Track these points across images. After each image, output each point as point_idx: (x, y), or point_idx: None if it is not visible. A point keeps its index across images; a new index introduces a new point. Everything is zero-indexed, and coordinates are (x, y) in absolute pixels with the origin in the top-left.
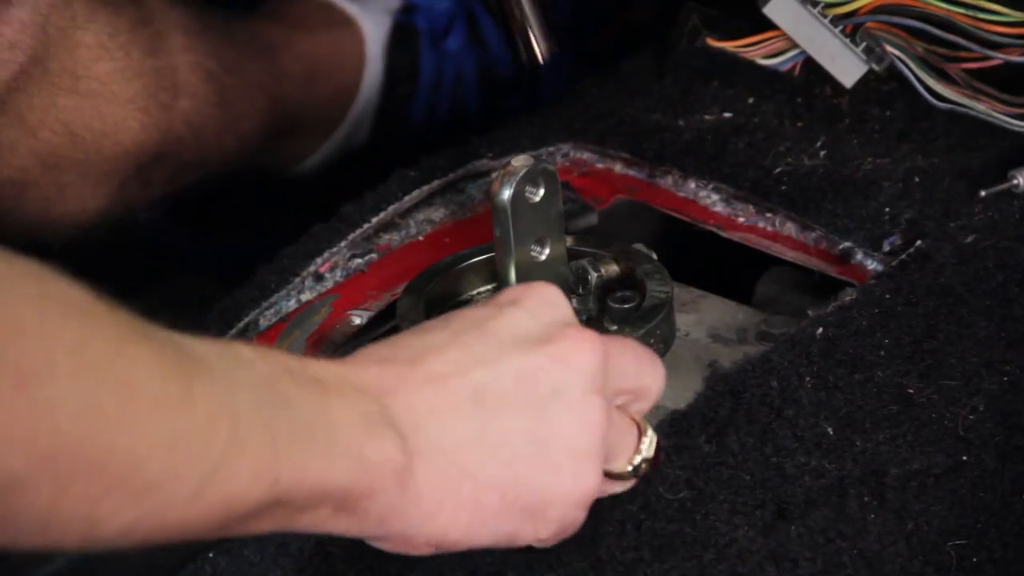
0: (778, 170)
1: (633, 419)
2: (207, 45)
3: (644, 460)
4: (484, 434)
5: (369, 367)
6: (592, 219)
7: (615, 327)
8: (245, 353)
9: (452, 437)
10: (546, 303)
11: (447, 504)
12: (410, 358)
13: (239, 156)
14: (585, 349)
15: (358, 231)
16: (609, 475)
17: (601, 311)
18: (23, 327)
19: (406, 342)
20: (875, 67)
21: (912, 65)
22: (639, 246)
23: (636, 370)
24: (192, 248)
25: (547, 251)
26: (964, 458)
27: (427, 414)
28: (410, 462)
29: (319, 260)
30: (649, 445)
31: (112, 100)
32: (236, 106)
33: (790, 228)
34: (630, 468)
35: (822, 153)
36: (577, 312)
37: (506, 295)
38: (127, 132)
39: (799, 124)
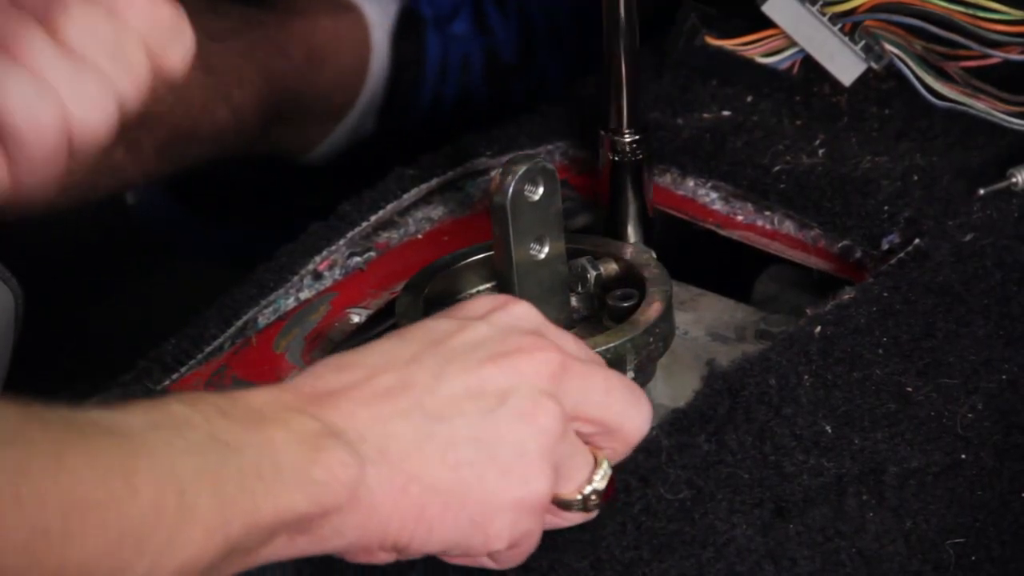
0: (777, 168)
1: (590, 449)
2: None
3: (595, 491)
4: (429, 438)
5: (304, 384)
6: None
7: (613, 324)
8: (178, 410)
9: (397, 442)
10: (512, 317)
11: (396, 510)
12: (357, 380)
13: (238, 132)
14: (538, 359)
15: (357, 229)
16: (557, 501)
17: (600, 309)
18: None
19: (358, 360)
20: (874, 65)
21: (911, 63)
22: (638, 244)
23: (605, 400)
24: (204, 235)
25: (546, 249)
26: (962, 456)
27: (370, 422)
28: (361, 472)
29: (318, 258)
30: (602, 477)
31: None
32: (223, 73)
33: (789, 226)
34: (579, 497)
35: (821, 151)
36: (576, 311)
37: (476, 307)
38: None
39: (798, 122)
